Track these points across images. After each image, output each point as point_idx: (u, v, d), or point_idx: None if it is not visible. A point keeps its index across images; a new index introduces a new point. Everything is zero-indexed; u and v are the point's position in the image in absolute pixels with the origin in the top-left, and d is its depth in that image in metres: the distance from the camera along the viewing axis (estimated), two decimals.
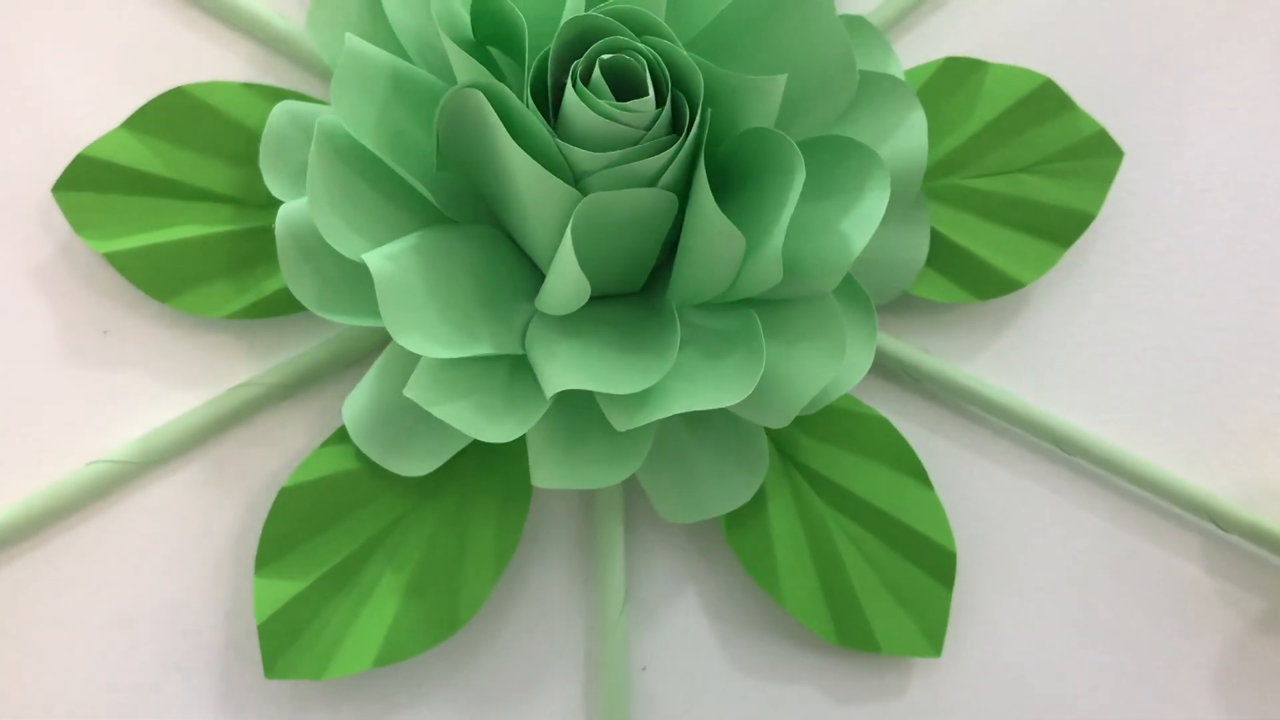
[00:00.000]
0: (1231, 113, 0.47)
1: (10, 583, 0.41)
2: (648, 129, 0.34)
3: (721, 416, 0.40)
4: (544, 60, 0.34)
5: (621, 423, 0.35)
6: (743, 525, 0.42)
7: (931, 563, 0.42)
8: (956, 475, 0.45)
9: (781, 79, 0.35)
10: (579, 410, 0.38)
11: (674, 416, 0.36)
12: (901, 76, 0.41)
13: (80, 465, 0.42)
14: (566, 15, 0.34)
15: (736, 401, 0.34)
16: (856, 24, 0.41)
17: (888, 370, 0.45)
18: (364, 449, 0.40)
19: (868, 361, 0.39)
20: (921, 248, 0.43)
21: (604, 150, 0.34)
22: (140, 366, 0.43)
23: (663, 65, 0.34)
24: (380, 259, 0.35)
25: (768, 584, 0.41)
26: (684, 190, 0.36)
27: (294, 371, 0.43)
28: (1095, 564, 0.44)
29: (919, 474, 0.43)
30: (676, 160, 0.34)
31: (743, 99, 0.36)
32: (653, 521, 0.43)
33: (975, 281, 0.44)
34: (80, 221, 0.42)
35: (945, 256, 0.44)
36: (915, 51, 0.47)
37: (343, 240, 0.36)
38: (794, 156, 0.34)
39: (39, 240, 0.43)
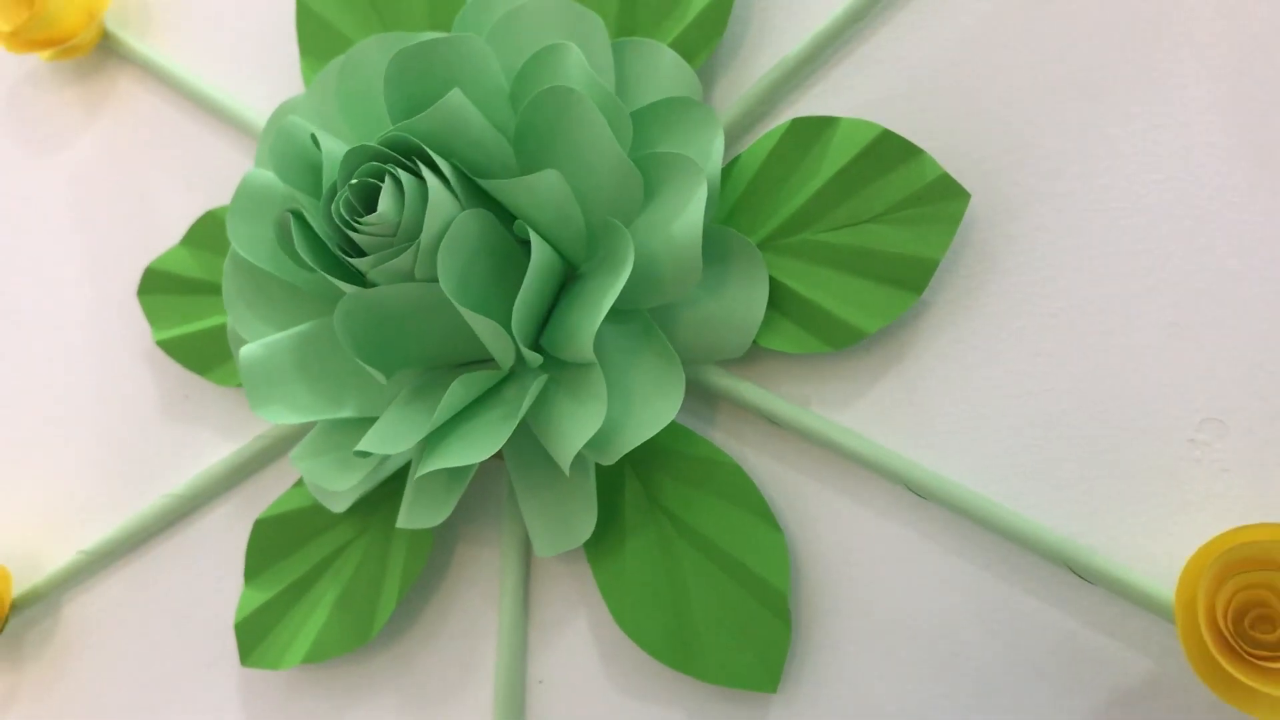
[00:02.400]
0: (1148, 140, 0.44)
1: (121, 582, 0.57)
2: (394, 235, 0.41)
3: (549, 466, 0.45)
4: (334, 188, 0.43)
5: (417, 472, 0.43)
6: (607, 561, 0.47)
7: (771, 602, 0.44)
8: (825, 518, 0.46)
9: (547, 174, 0.41)
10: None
11: (535, 463, 0.44)
12: (719, 152, 0.44)
13: (158, 497, 0.56)
14: (333, 153, 0.42)
15: (480, 460, 0.41)
16: (685, 105, 0.46)
17: (771, 417, 0.47)
18: (310, 489, 0.50)
19: (671, 412, 0.43)
20: (759, 304, 0.45)
21: (369, 255, 0.42)
22: (206, 422, 0.57)
23: (401, 182, 0.41)
24: (254, 348, 0.45)
25: (618, 614, 0.46)
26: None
27: (300, 429, 0.54)
28: (964, 611, 0.44)
29: (767, 517, 0.45)
30: (442, 248, 0.41)
31: (522, 193, 0.42)
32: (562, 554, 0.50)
33: (827, 332, 0.45)
34: (152, 318, 0.56)
35: (798, 310, 0.45)
36: (837, 101, 0.48)
37: (250, 329, 0.47)
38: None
39: (146, 329, 0.59)
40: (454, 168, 0.42)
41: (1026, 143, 0.45)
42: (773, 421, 0.46)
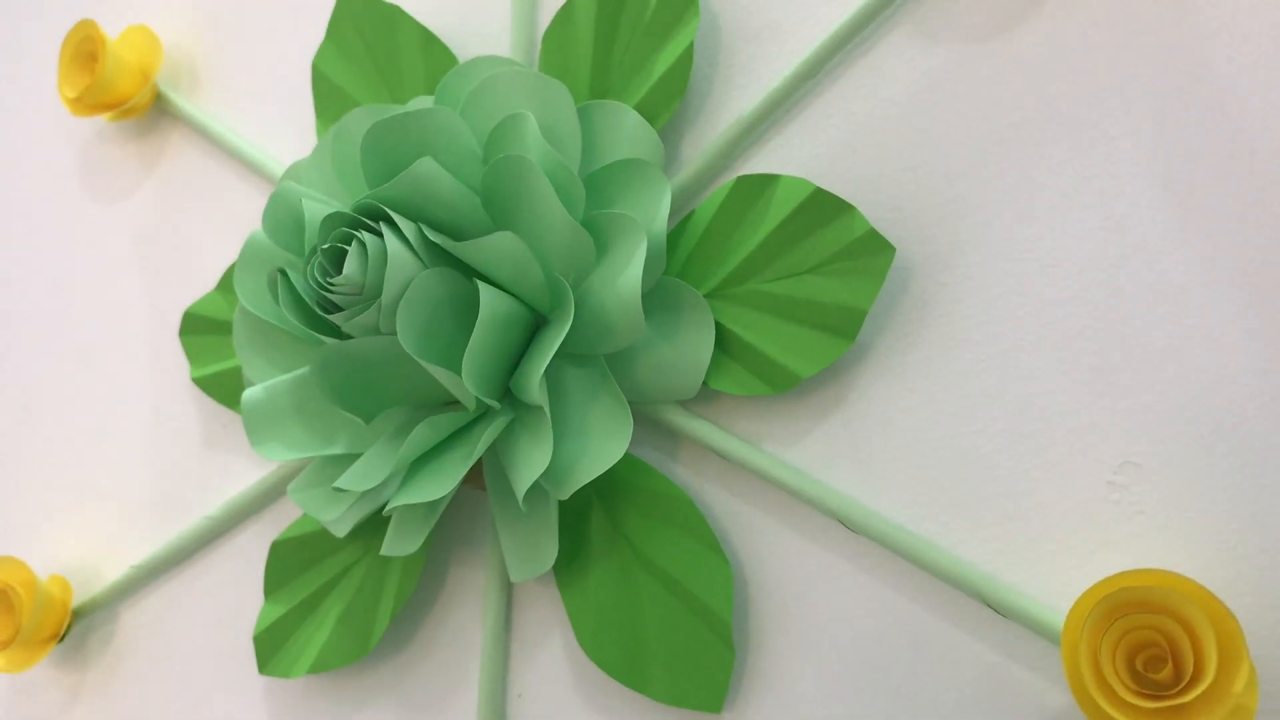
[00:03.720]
0: (1076, 190, 0.45)
1: (167, 594, 0.63)
2: (361, 294, 0.46)
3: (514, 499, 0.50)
4: (314, 249, 0.48)
5: (387, 506, 0.47)
6: (574, 587, 0.51)
7: (717, 629, 0.47)
8: (773, 550, 0.49)
9: (500, 236, 0.45)
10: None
11: (511, 495, 0.49)
12: (665, 210, 0.48)
13: (199, 519, 0.62)
14: (314, 217, 0.47)
15: (438, 496, 0.45)
16: (638, 167, 0.49)
17: (723, 453, 0.50)
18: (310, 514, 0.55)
19: (618, 453, 0.47)
20: (706, 350, 0.48)
21: (342, 311, 0.46)
22: (240, 451, 0.63)
23: (366, 246, 0.46)
24: (255, 391, 0.51)
25: (581, 636, 0.50)
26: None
27: None
28: (897, 641, 0.46)
29: (716, 549, 0.48)
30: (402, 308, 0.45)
31: (479, 253, 0.46)
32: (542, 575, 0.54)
33: (769, 376, 0.48)
34: (192, 357, 0.63)
35: (744, 354, 0.48)
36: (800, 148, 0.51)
37: (257, 372, 0.53)
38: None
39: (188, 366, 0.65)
40: (419, 230, 0.46)
41: (960, 194, 0.47)
42: (724, 457, 0.50)
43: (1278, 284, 0.42)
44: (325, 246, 0.46)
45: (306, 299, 0.47)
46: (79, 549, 0.67)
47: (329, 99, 0.60)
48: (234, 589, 0.62)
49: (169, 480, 0.65)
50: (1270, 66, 0.43)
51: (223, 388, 0.61)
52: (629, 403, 0.51)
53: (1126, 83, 0.45)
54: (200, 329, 0.63)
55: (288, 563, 0.57)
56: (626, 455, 0.50)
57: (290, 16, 0.67)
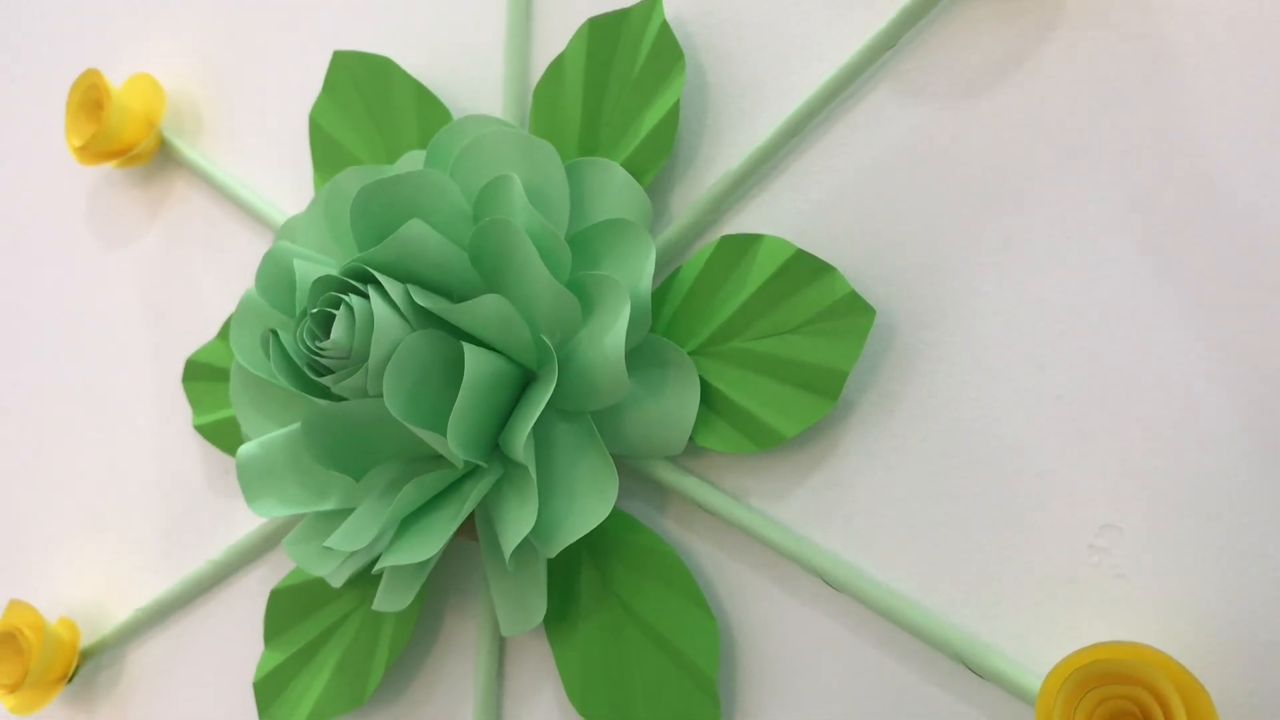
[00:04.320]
0: (1057, 252, 0.46)
1: (172, 636, 0.64)
2: (348, 357, 0.46)
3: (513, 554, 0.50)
4: (304, 312, 0.48)
5: (375, 566, 0.48)
6: (564, 640, 0.51)
7: (703, 684, 0.48)
8: (759, 605, 0.49)
9: (487, 299, 0.46)
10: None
11: (495, 551, 0.49)
12: (650, 270, 0.48)
13: (202, 563, 0.63)
14: (305, 279, 0.48)
15: (425, 558, 0.46)
16: (624, 227, 0.50)
17: (709, 508, 0.51)
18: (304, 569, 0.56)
19: (604, 513, 0.47)
20: (692, 408, 0.49)
21: (331, 373, 0.47)
22: (242, 496, 0.64)
23: (354, 312, 0.46)
24: (250, 447, 0.52)
25: (570, 689, 0.50)
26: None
27: None
28: (878, 699, 0.46)
29: (702, 604, 0.49)
30: (391, 369, 0.46)
31: (466, 316, 0.47)
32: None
33: (754, 434, 0.48)
34: (194, 403, 0.64)
35: (730, 412, 0.49)
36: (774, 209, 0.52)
37: (254, 426, 0.54)
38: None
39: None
40: (406, 293, 0.47)
41: (942, 253, 0.48)
42: (710, 513, 0.50)
43: (1259, 348, 0.42)
44: (314, 310, 0.47)
45: (297, 361, 0.48)
46: (86, 591, 0.68)
47: (326, 151, 0.61)
48: (239, 632, 0.63)
49: (174, 523, 0.66)
50: (1249, 128, 0.43)
51: (224, 435, 0.62)
52: (618, 456, 0.51)
53: (1106, 144, 0.45)
54: (202, 375, 0.64)
55: (286, 610, 0.58)
56: (615, 510, 0.51)
57: (290, 65, 0.68)
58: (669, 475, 0.51)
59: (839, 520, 0.49)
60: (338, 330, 0.46)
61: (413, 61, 0.62)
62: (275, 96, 0.68)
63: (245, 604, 0.63)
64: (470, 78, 0.61)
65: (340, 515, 0.52)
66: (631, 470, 0.52)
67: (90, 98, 0.69)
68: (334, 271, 0.48)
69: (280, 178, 0.67)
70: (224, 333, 0.64)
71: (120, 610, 0.66)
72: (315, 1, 0.68)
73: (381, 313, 0.46)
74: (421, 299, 0.47)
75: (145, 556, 0.66)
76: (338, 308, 0.47)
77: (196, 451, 0.66)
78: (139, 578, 0.66)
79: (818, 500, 0.49)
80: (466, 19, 0.62)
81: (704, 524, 0.51)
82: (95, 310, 0.73)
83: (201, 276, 0.68)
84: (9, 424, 0.75)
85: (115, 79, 0.74)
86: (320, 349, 0.47)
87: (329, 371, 0.47)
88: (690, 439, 0.49)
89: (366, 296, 0.47)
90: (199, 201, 0.69)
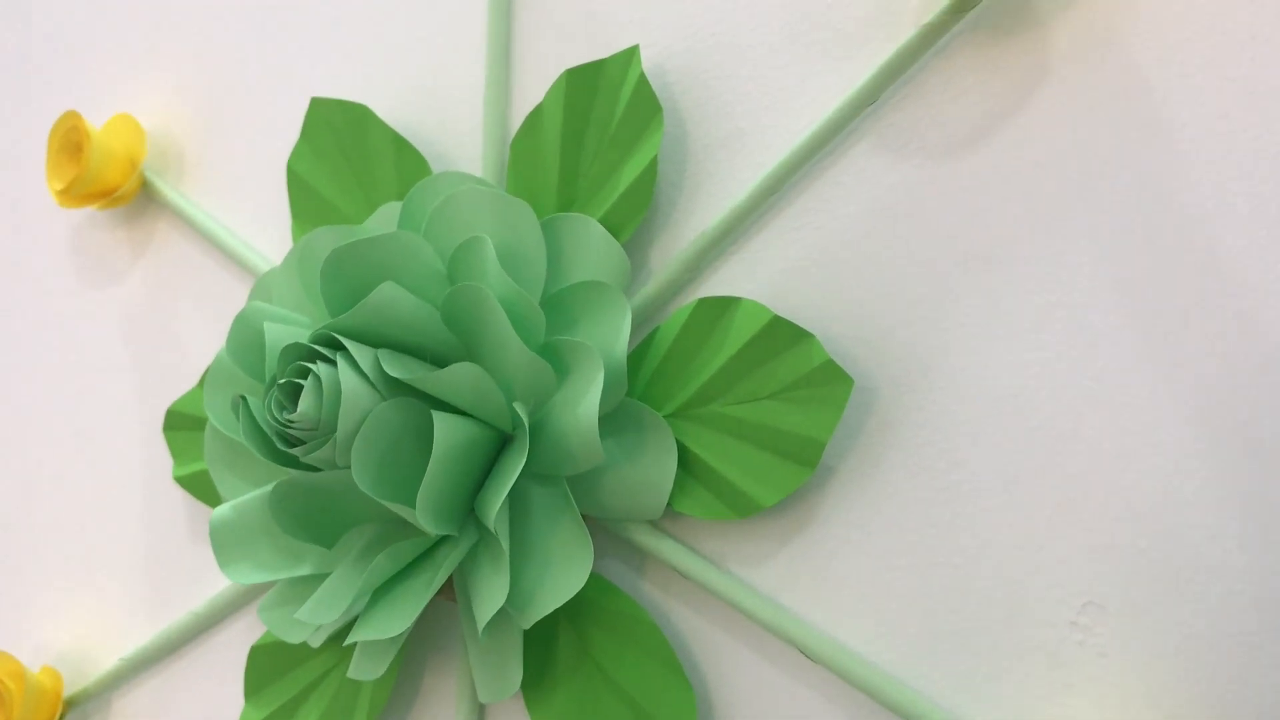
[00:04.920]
0: (1041, 319, 0.44)
1: (155, 687, 0.64)
2: (317, 428, 0.46)
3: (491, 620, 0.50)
4: (273, 379, 0.48)
5: (347, 639, 0.48)
6: (541, 705, 0.51)
7: None
8: (737, 674, 0.48)
9: (458, 368, 0.45)
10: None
11: (469, 617, 0.48)
12: (626, 334, 0.47)
13: (184, 614, 0.63)
14: (273, 347, 0.47)
15: (397, 633, 0.45)
16: (599, 290, 0.49)
17: (685, 574, 0.50)
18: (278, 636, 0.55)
19: (579, 584, 0.46)
20: (669, 474, 0.48)
21: (302, 444, 0.46)
22: None
23: (321, 382, 0.45)
24: (224, 510, 0.51)
25: None
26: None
27: None
28: None
29: (679, 673, 0.48)
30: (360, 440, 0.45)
31: (438, 384, 0.46)
32: None
33: (732, 501, 0.47)
34: (175, 453, 0.63)
35: (708, 478, 0.48)
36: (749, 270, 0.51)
37: (229, 488, 0.53)
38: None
39: None
40: (375, 360, 0.46)
41: (923, 316, 0.47)
42: (687, 578, 0.49)
43: (1245, 423, 0.41)
44: (282, 381, 0.46)
45: (266, 430, 0.47)
46: (70, 639, 0.68)
47: (304, 200, 0.60)
48: (223, 681, 0.62)
49: (159, 571, 0.65)
50: (1238, 190, 0.42)
51: (204, 488, 0.62)
52: (597, 518, 0.51)
53: (1092, 205, 0.44)
54: (182, 425, 0.63)
55: (266, 667, 0.57)
56: (593, 573, 0.50)
57: (270, 104, 0.67)
58: (647, 539, 0.50)
59: (818, 588, 0.48)
60: (305, 402, 0.46)
61: (392, 107, 0.61)
62: (256, 134, 0.68)
63: (230, 655, 0.62)
64: (449, 125, 0.60)
65: (315, 580, 0.51)
66: (610, 532, 0.52)
67: (70, 140, 0.69)
68: (304, 338, 0.47)
69: (263, 218, 0.66)
70: (204, 380, 0.63)
71: (105, 659, 0.66)
72: (294, 42, 0.67)
73: (349, 383, 0.45)
74: (392, 366, 0.46)
75: (130, 604, 0.66)
76: (306, 377, 0.47)
77: (180, 498, 0.66)
78: (123, 626, 0.66)
79: (797, 567, 0.48)
80: (446, 65, 0.61)
81: (682, 588, 0.51)
82: (79, 354, 0.72)
83: (184, 318, 0.68)
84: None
85: (96, 119, 0.73)
86: (289, 421, 0.46)
87: (299, 442, 0.47)
88: (668, 504, 0.49)
89: (335, 364, 0.46)
90: (182, 243, 0.69)
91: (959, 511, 0.45)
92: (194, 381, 0.66)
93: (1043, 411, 0.44)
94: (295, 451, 0.46)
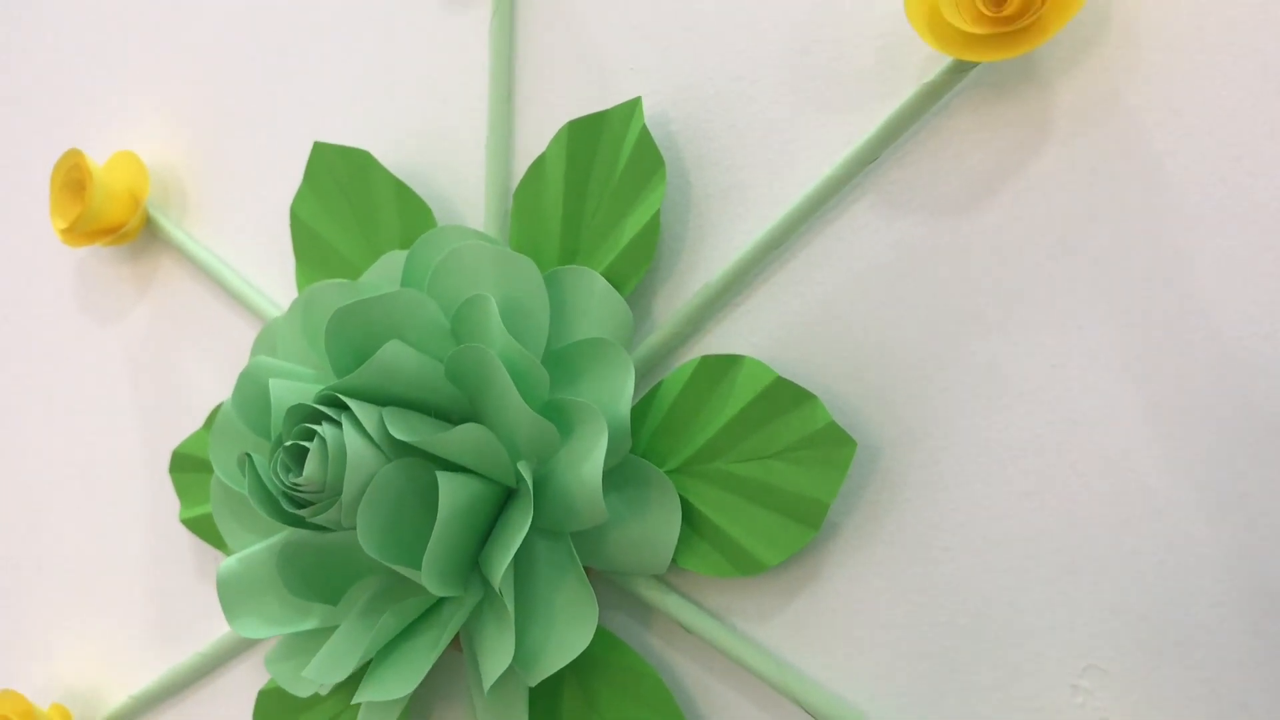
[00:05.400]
0: (1045, 378, 0.45)
1: None
2: (322, 490, 0.46)
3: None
4: (279, 439, 0.48)
5: (353, 698, 0.48)
6: None
7: None
8: None
9: (463, 429, 0.45)
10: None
11: (475, 671, 0.49)
12: (629, 391, 0.47)
13: (190, 654, 0.63)
14: (278, 407, 0.47)
15: (402, 694, 0.45)
16: (603, 347, 0.49)
17: (690, 629, 0.50)
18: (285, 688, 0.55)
19: (584, 643, 0.47)
20: (673, 531, 0.48)
21: (308, 506, 0.47)
22: None
23: (326, 444, 0.46)
24: (231, 564, 0.51)
25: None
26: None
27: None
28: None
29: None
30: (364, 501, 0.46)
31: (443, 445, 0.47)
32: None
33: (736, 559, 0.48)
34: (181, 495, 0.63)
35: (713, 535, 0.48)
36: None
37: (236, 540, 0.53)
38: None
39: None
40: (381, 422, 0.46)
41: (928, 374, 0.47)
42: (692, 633, 0.50)
43: (1248, 487, 0.41)
44: (288, 443, 0.47)
45: (272, 491, 0.47)
46: (80, 675, 0.68)
47: (307, 244, 0.60)
48: (233, 717, 0.63)
49: (163, 613, 0.66)
50: (1242, 248, 0.42)
51: (210, 529, 0.62)
52: (603, 572, 0.51)
53: (1094, 263, 0.44)
54: (188, 467, 0.63)
55: (274, 712, 0.58)
56: (599, 628, 0.50)
57: (273, 141, 0.67)
58: (652, 593, 0.51)
59: (821, 645, 0.48)
60: (310, 465, 0.46)
61: (395, 150, 0.61)
62: (260, 172, 0.68)
63: (239, 694, 0.63)
64: (452, 170, 0.60)
65: (322, 634, 0.52)
66: (615, 585, 0.52)
67: (73, 178, 0.69)
68: (309, 397, 0.47)
69: (266, 255, 0.66)
70: (209, 423, 0.63)
71: (113, 695, 0.66)
72: (297, 79, 0.67)
73: (354, 445, 0.45)
74: (397, 427, 0.46)
75: (138, 642, 0.66)
76: (311, 439, 0.47)
77: (186, 541, 0.66)
78: (132, 663, 0.66)
79: (801, 623, 0.49)
80: (449, 109, 0.61)
81: (688, 642, 0.51)
82: (84, 392, 0.72)
83: (188, 356, 0.68)
84: (5, 506, 0.76)
85: (98, 156, 0.73)
86: (294, 484, 0.46)
87: (305, 504, 0.47)
88: (673, 559, 0.49)
89: (340, 425, 0.46)
90: (185, 280, 0.69)
91: (961, 572, 0.46)
92: (198, 420, 0.66)
93: (1045, 474, 0.44)
94: (302, 513, 0.47)
